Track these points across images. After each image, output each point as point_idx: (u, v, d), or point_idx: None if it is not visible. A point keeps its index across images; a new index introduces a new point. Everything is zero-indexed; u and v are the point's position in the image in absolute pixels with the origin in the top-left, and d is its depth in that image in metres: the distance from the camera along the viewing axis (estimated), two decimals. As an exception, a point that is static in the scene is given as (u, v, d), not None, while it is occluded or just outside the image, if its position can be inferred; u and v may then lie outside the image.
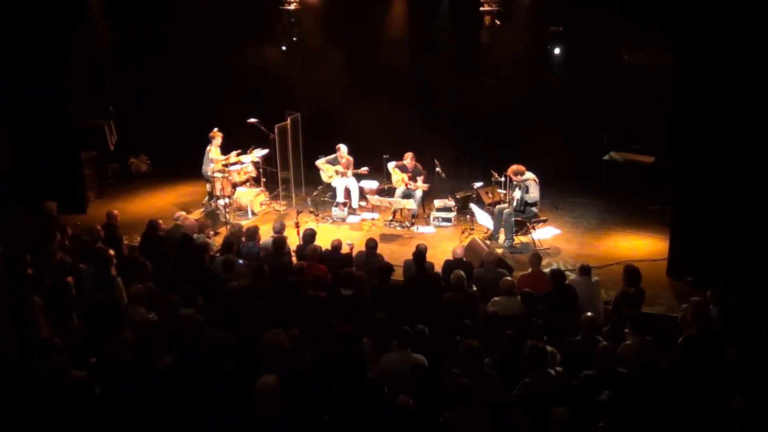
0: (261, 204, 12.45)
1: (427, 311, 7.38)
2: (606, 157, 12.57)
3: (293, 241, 9.77)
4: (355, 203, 12.33)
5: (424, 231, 11.48)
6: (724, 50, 8.37)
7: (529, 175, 10.58)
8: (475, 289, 7.98)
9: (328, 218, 12.05)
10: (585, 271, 8.05)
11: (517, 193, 10.52)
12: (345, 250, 9.08)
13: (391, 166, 12.23)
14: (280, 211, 12.46)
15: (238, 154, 12.32)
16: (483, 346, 6.07)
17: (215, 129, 12.38)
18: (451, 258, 8.70)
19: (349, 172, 12.32)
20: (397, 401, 5.24)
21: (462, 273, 7.71)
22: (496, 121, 13.60)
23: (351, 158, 12.42)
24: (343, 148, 12.35)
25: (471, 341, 5.95)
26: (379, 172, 12.70)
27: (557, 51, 12.19)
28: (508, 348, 6.27)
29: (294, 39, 13.34)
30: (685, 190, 9.25)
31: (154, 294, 7.53)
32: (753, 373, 5.75)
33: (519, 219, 10.67)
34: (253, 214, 12.20)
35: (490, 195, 12.03)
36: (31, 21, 10.99)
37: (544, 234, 11.07)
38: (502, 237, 10.79)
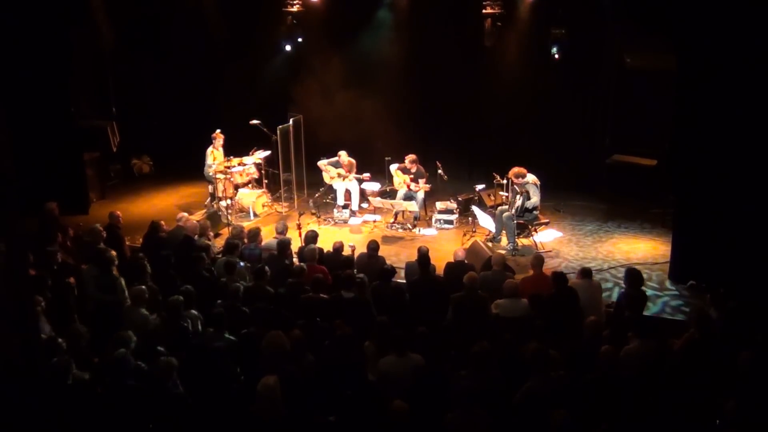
0: (263, 205, 12.46)
1: (430, 314, 7.39)
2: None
3: (295, 242, 9.76)
4: (355, 205, 12.33)
5: (426, 233, 11.48)
6: (726, 53, 8.36)
7: (530, 177, 10.58)
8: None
9: (330, 220, 12.05)
10: (586, 273, 8.04)
11: (518, 200, 10.50)
12: (346, 252, 9.09)
13: (393, 168, 12.24)
14: (282, 212, 12.47)
15: (240, 164, 12.33)
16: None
17: (217, 130, 12.39)
18: (453, 260, 8.69)
19: (351, 176, 12.33)
20: (392, 406, 5.24)
21: (475, 275, 7.70)
22: (498, 123, 13.61)
23: (353, 161, 12.43)
24: (343, 155, 12.36)
25: (483, 343, 5.94)
26: (381, 174, 12.70)
27: (559, 54, 12.18)
28: (511, 350, 6.27)
29: (300, 40, 13.35)
30: (688, 193, 9.24)
31: (155, 295, 7.55)
32: (754, 377, 5.75)
33: (521, 222, 10.67)
34: (255, 215, 12.21)
35: (492, 197, 12.02)
36: (33, 21, 11.00)
37: (546, 237, 11.06)
38: (504, 239, 10.79)
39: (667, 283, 9.43)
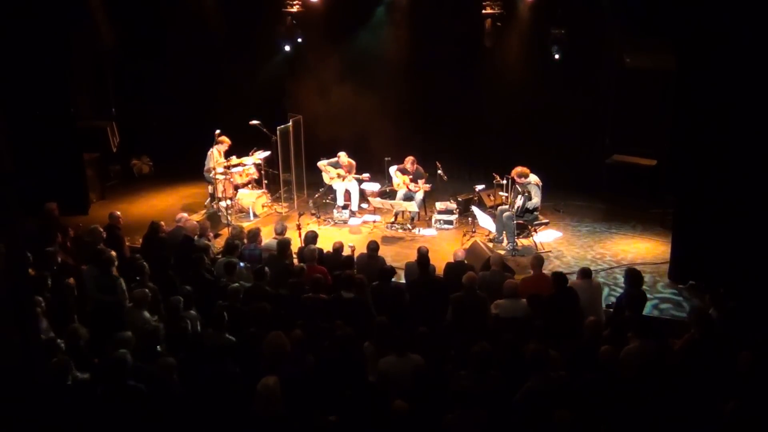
0: (263, 206, 12.46)
1: (430, 314, 7.38)
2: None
3: (295, 243, 9.76)
4: (355, 206, 12.33)
5: (426, 233, 11.48)
6: (726, 53, 8.37)
7: (532, 177, 10.57)
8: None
9: (330, 220, 12.05)
10: (586, 274, 8.03)
11: (519, 200, 10.50)
12: (346, 252, 9.09)
13: (392, 170, 12.25)
14: (281, 213, 12.47)
15: (240, 164, 12.32)
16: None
17: (221, 133, 12.32)
18: (452, 260, 8.69)
19: (351, 176, 12.33)
20: (393, 406, 5.25)
21: (474, 275, 7.71)
22: (498, 123, 13.62)
23: (353, 162, 12.43)
24: (343, 156, 12.37)
25: (483, 343, 5.94)
26: (380, 174, 12.71)
27: (559, 54, 12.21)
28: (511, 351, 6.27)
29: (299, 40, 13.36)
30: (687, 194, 9.24)
31: (154, 295, 7.54)
32: (754, 377, 5.75)
33: (520, 222, 10.67)
34: (255, 215, 12.21)
35: (492, 197, 12.03)
36: (33, 22, 11.00)
37: (546, 237, 11.07)
38: (504, 240, 10.78)
39: (659, 286, 9.38)
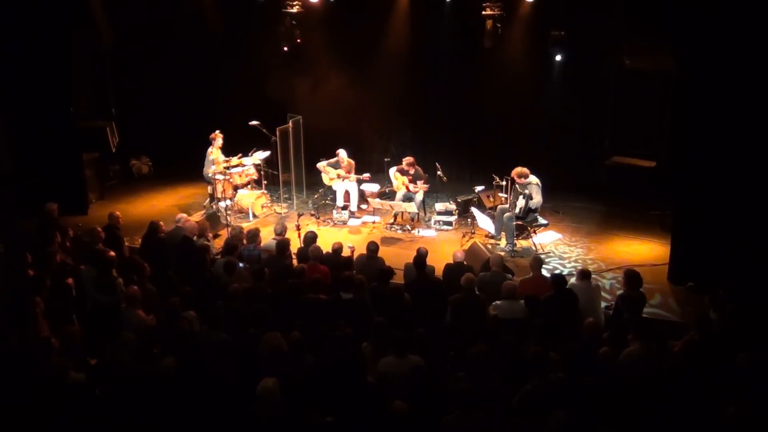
0: (262, 206, 12.46)
1: (427, 315, 7.38)
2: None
3: (294, 243, 9.76)
4: (354, 206, 12.33)
5: (425, 234, 11.47)
6: (725, 55, 8.37)
7: (532, 178, 10.57)
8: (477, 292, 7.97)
9: (329, 221, 12.04)
10: (585, 275, 8.03)
11: (521, 202, 10.49)
12: (346, 253, 9.08)
13: (392, 171, 12.25)
14: (281, 213, 12.47)
15: (240, 158, 12.35)
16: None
17: (216, 131, 12.39)
18: (452, 261, 8.69)
19: (351, 176, 12.33)
20: (393, 406, 5.24)
21: (472, 276, 7.71)
22: (497, 124, 13.64)
23: (352, 161, 12.43)
24: (342, 153, 12.37)
25: (482, 344, 5.94)
26: (380, 174, 12.70)
27: (559, 56, 12.20)
28: (510, 352, 6.26)
29: (298, 41, 13.36)
30: (687, 195, 9.25)
31: (153, 296, 7.53)
32: (755, 379, 5.75)
33: (520, 223, 10.67)
34: (254, 216, 12.21)
35: (492, 199, 12.03)
36: (33, 22, 11.00)
37: (545, 238, 11.06)
38: (503, 240, 10.78)
39: (666, 285, 9.36)
